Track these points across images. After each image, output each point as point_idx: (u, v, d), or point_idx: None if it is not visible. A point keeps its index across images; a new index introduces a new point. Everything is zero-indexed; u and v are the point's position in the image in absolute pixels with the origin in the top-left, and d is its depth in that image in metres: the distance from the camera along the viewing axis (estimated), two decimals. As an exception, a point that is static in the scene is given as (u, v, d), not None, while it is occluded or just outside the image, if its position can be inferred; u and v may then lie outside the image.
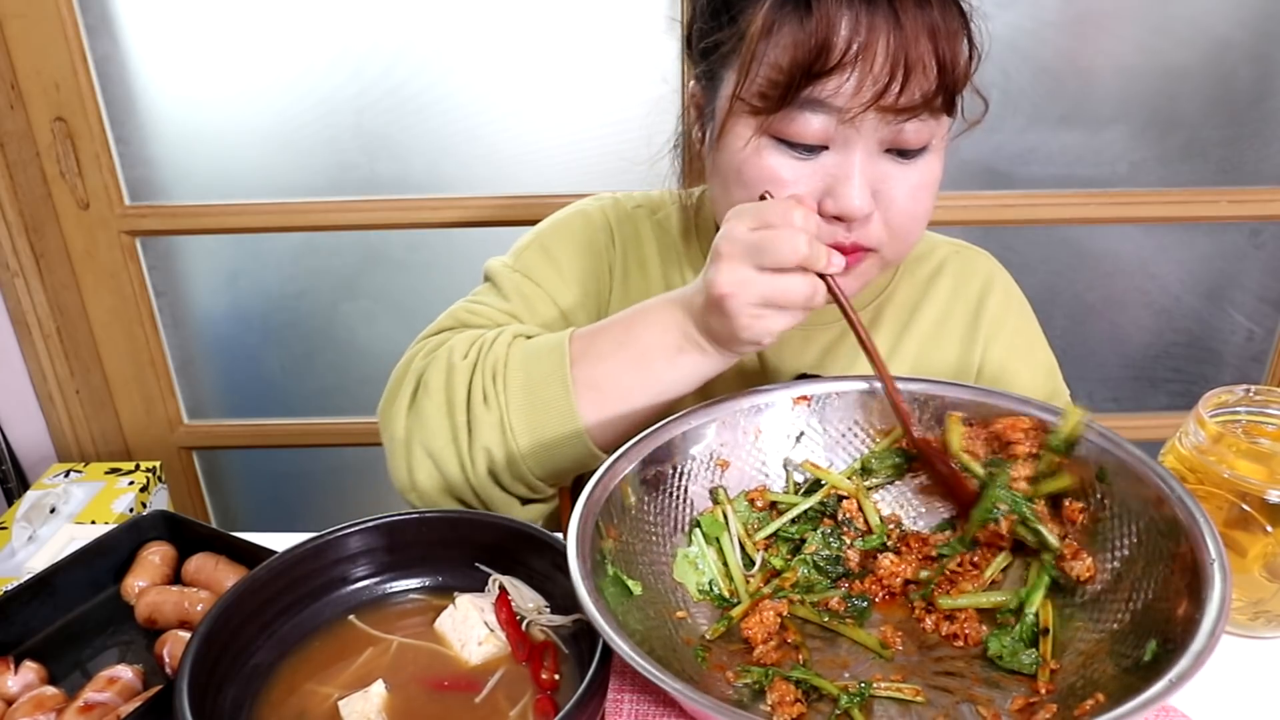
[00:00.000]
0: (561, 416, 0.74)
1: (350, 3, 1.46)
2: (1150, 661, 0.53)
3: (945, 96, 0.71)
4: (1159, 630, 0.55)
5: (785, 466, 0.73)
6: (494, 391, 0.75)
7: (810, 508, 0.71)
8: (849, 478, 0.72)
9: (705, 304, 0.70)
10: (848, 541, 0.69)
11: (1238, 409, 0.75)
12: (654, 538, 0.67)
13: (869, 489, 0.72)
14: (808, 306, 0.68)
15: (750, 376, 0.91)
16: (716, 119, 0.77)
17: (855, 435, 0.74)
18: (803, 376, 0.89)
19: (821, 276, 0.68)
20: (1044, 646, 0.60)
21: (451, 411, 0.76)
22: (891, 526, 0.70)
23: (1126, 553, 0.61)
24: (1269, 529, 0.68)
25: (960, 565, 0.67)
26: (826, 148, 0.72)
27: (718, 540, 0.68)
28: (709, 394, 0.75)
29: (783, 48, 0.69)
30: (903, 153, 0.73)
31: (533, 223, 0.99)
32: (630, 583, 0.61)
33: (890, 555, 0.67)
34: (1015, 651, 0.60)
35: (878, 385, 0.73)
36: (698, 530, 0.68)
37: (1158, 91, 1.54)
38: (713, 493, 0.70)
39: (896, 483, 0.73)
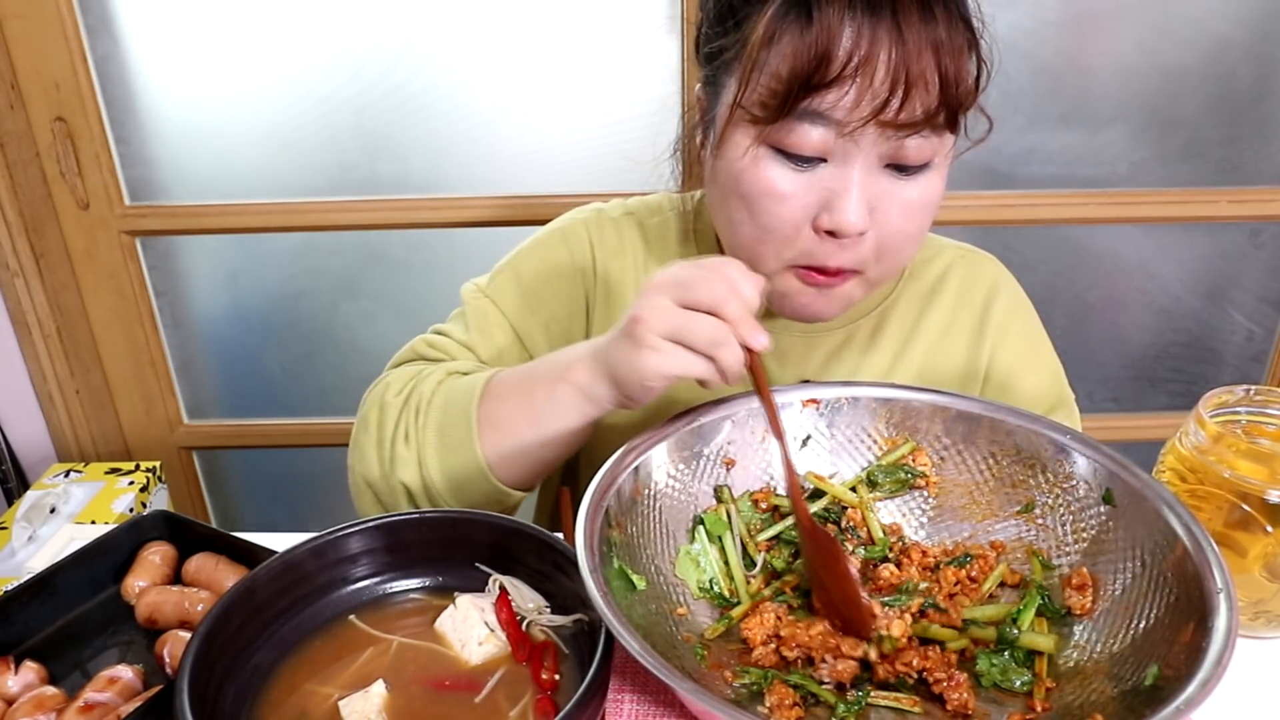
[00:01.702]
0: (467, 455, 0.76)
1: (350, 3, 1.46)
2: (1150, 686, 0.53)
3: (948, 113, 0.70)
4: (1161, 655, 0.54)
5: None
6: (414, 430, 0.78)
7: (814, 512, 0.71)
8: (853, 488, 0.72)
9: (620, 331, 0.68)
10: (850, 549, 0.69)
11: (1238, 409, 0.74)
12: (658, 532, 0.67)
13: (872, 500, 0.72)
14: (715, 358, 0.64)
15: None
16: (717, 126, 0.76)
17: (862, 442, 0.73)
18: (805, 384, 0.89)
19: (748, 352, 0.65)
20: (1040, 665, 0.59)
21: (380, 446, 0.79)
22: (894, 539, 0.70)
23: (1130, 576, 0.61)
24: (1269, 529, 0.68)
25: (958, 583, 0.67)
26: (825, 160, 0.72)
27: (720, 539, 0.68)
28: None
29: (783, 57, 0.69)
30: (903, 168, 0.72)
31: (533, 223, 0.99)
32: (634, 577, 0.61)
33: (890, 566, 0.67)
34: (1005, 670, 0.59)
35: (890, 394, 0.73)
36: (701, 527, 0.68)
37: (1158, 91, 1.54)
38: (717, 491, 0.70)
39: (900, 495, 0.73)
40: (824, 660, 0.60)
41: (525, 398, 0.75)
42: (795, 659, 0.60)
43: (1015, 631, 0.61)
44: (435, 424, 0.77)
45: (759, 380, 0.66)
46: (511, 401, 0.75)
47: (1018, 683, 0.59)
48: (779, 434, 0.66)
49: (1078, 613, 0.62)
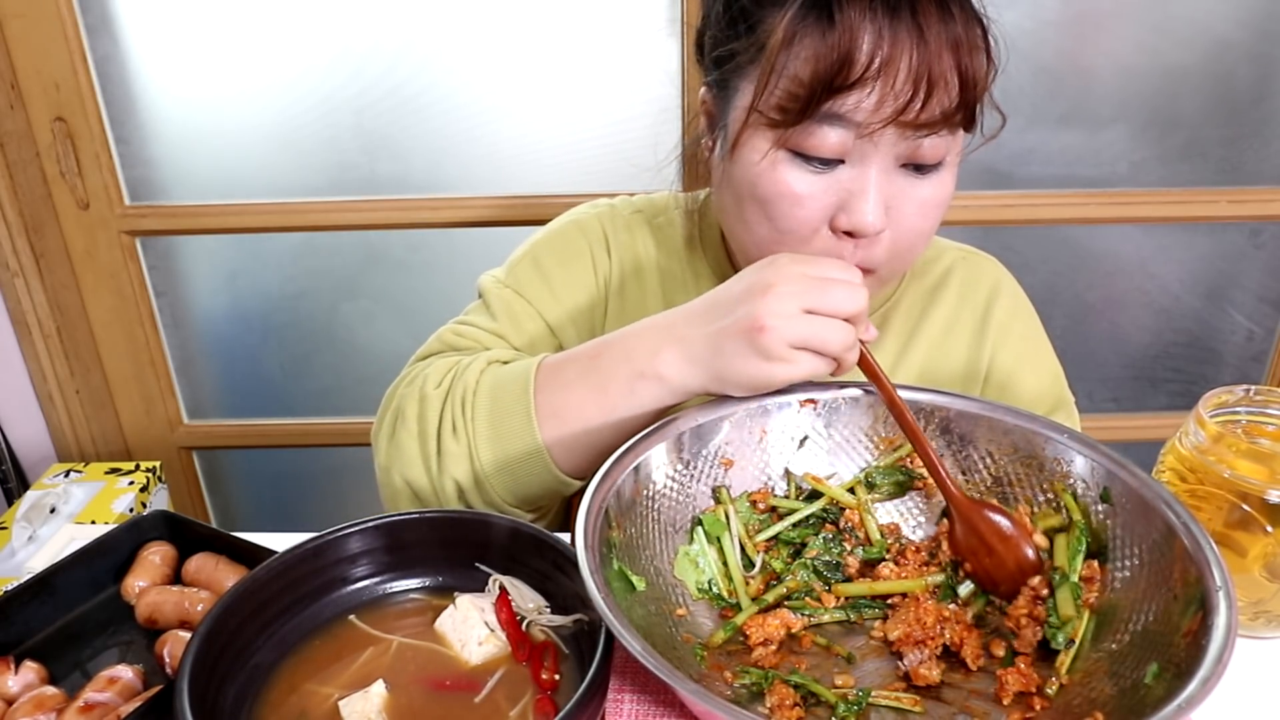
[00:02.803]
0: (525, 444, 0.74)
1: (350, 3, 1.46)
2: (1150, 684, 0.53)
3: (965, 112, 0.70)
4: (1160, 653, 0.54)
5: (786, 475, 0.73)
6: (463, 421, 0.75)
7: (812, 513, 0.71)
8: (851, 489, 0.72)
9: (731, 331, 0.67)
10: (848, 548, 0.69)
11: (1238, 409, 0.74)
12: (657, 533, 0.67)
13: (870, 501, 0.72)
14: (840, 359, 0.67)
15: None
16: (730, 129, 0.75)
17: (860, 442, 0.73)
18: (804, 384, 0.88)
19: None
20: (1064, 657, 0.59)
21: (424, 441, 0.76)
22: (891, 540, 0.70)
23: (1129, 574, 0.61)
24: (1269, 529, 0.68)
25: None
26: (842, 161, 0.72)
27: (719, 540, 0.68)
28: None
29: (803, 60, 0.68)
30: (918, 167, 0.72)
31: (533, 223, 0.98)
32: (634, 578, 0.61)
33: (890, 565, 0.67)
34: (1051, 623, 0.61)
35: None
36: (700, 528, 0.68)
37: (1158, 91, 1.54)
38: (715, 492, 0.70)
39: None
40: (916, 650, 0.61)
41: (597, 390, 0.72)
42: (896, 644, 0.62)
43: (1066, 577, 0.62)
44: (485, 414, 0.75)
45: (873, 367, 0.69)
46: (579, 392, 0.73)
47: (1059, 638, 0.60)
48: (900, 413, 0.68)
49: (1082, 605, 0.62)
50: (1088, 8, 1.49)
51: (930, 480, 0.71)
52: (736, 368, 0.67)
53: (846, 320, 0.67)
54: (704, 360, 0.69)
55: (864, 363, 0.69)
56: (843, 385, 0.74)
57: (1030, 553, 0.63)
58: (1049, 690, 0.57)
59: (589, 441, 0.74)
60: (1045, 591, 0.63)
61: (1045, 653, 0.61)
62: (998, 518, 0.64)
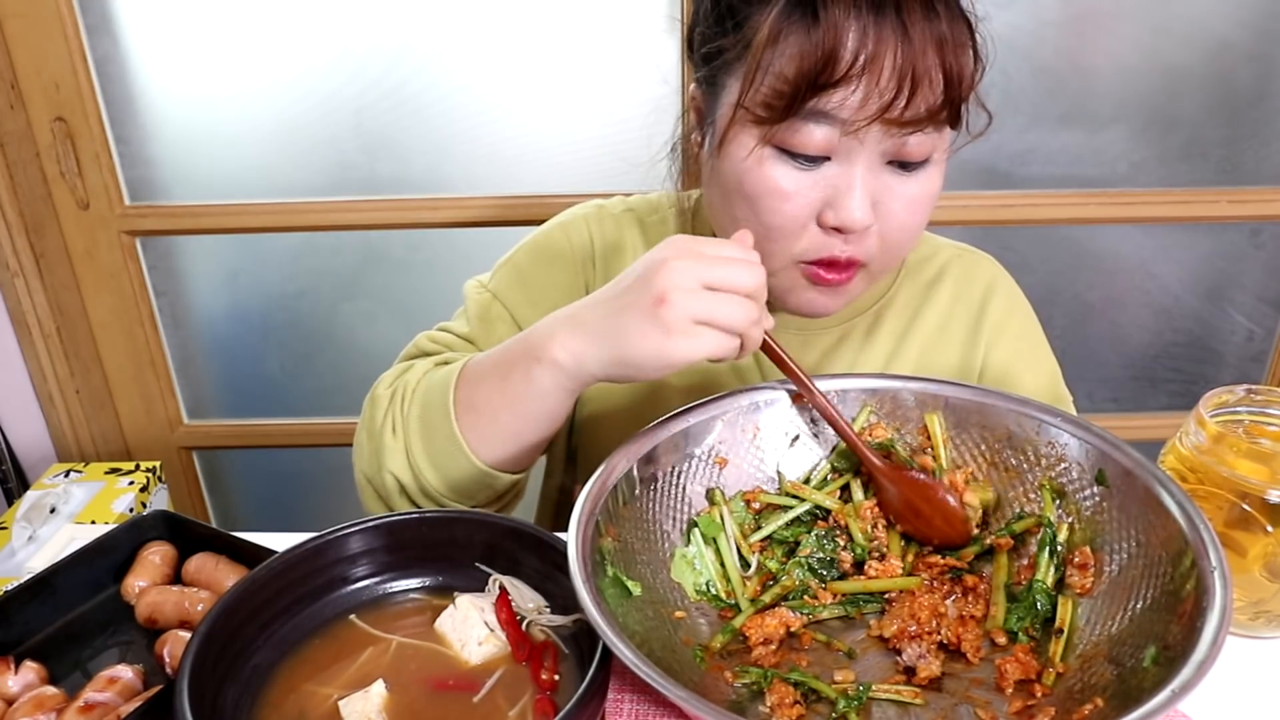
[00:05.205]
0: (447, 439, 0.74)
1: (350, 3, 1.46)
2: (1149, 667, 0.53)
3: (950, 110, 0.70)
4: (1158, 636, 0.55)
5: (778, 477, 0.73)
6: (400, 420, 0.78)
7: (805, 510, 0.71)
8: (845, 485, 0.72)
9: (631, 308, 0.65)
10: (841, 544, 0.69)
11: (1238, 409, 0.74)
12: (653, 536, 0.67)
13: (843, 486, 0.72)
14: (744, 335, 0.65)
15: (749, 380, 0.90)
16: (718, 127, 0.76)
17: None
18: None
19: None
20: (1055, 647, 0.59)
21: (372, 439, 0.80)
22: (873, 543, 0.69)
23: (1126, 556, 0.61)
24: (1269, 529, 0.68)
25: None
26: (829, 158, 0.72)
27: (715, 541, 0.68)
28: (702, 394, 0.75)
29: (788, 58, 0.69)
30: (904, 165, 0.73)
31: (532, 223, 0.99)
32: (630, 583, 0.61)
33: (875, 564, 0.67)
34: (1025, 618, 0.62)
35: (878, 384, 0.73)
36: (695, 530, 0.68)
37: (1158, 91, 1.54)
38: (709, 493, 0.70)
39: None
40: (913, 645, 0.61)
41: (500, 380, 0.73)
42: (892, 638, 0.62)
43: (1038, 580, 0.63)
44: (418, 413, 0.77)
45: (778, 352, 0.69)
46: (487, 384, 0.74)
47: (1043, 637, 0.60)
48: (811, 394, 0.69)
49: (1078, 592, 0.62)
50: (1088, 8, 1.49)
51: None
52: (635, 343, 0.64)
53: (747, 297, 0.65)
54: (602, 341, 0.67)
55: (768, 349, 0.68)
56: (832, 377, 0.73)
57: (953, 502, 0.67)
58: (1046, 680, 0.58)
59: (503, 434, 0.74)
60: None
61: (1046, 640, 0.61)
62: (921, 476, 0.68)
